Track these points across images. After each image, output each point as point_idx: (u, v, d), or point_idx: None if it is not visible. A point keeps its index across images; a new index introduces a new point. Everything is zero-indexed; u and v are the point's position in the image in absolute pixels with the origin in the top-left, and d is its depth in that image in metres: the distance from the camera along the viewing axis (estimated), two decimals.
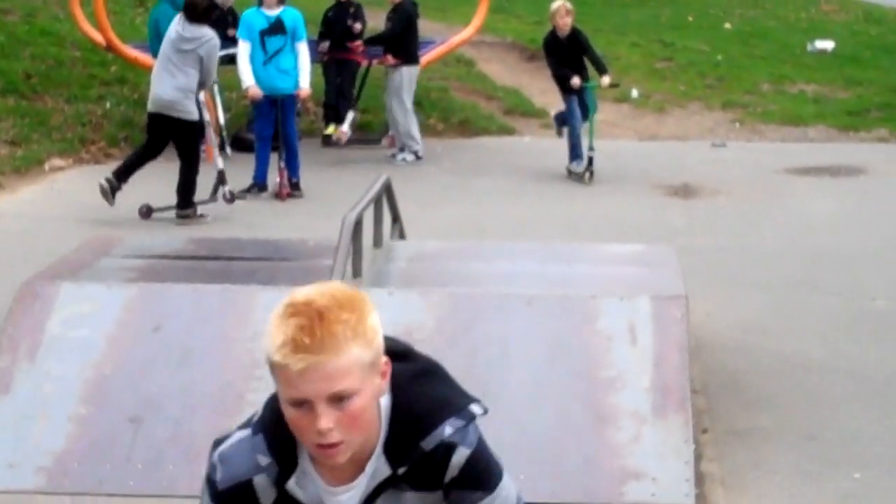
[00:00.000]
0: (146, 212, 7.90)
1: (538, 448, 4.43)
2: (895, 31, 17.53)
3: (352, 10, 10.58)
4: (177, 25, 7.83)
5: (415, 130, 10.04)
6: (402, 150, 10.10)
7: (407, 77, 9.93)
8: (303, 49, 8.57)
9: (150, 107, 8.00)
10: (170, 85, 7.64)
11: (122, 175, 7.94)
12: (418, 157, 10.02)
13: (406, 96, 10.00)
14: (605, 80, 9.41)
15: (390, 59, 9.93)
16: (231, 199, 8.03)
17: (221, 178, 7.98)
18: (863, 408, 5.25)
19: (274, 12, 8.47)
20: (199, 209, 8.01)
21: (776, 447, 4.77)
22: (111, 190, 7.82)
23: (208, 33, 7.81)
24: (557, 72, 9.57)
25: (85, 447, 4.35)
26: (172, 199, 8.09)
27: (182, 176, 7.92)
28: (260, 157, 8.58)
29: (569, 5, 9.34)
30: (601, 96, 10.37)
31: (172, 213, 8.07)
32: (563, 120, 9.69)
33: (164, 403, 4.51)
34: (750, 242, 8.05)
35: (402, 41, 10.00)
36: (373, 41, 10.36)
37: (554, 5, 9.47)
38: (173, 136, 7.88)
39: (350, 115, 10.29)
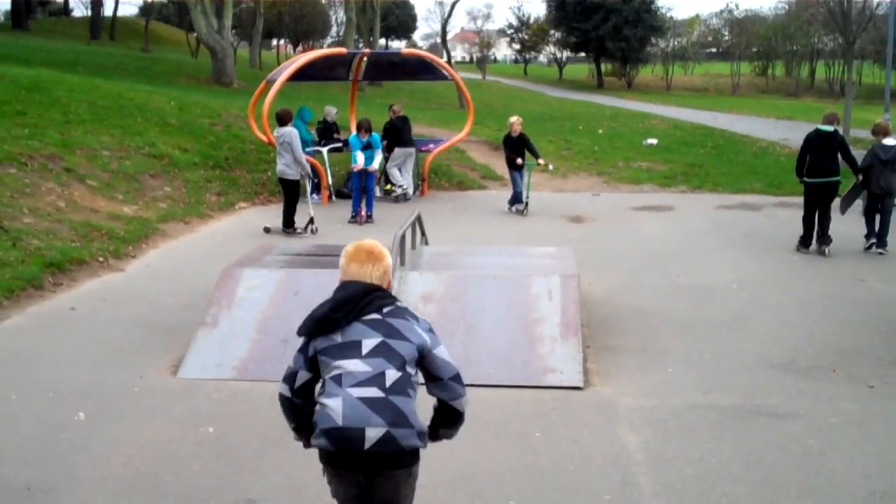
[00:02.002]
0: (267, 230, 11.66)
1: (499, 356, 6.25)
2: (690, 133, 23.76)
3: (401, 119, 15.20)
4: (276, 131, 11.43)
5: (401, 180, 14.83)
6: (399, 186, 14.75)
7: (399, 153, 14.64)
8: (377, 153, 13.10)
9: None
10: (280, 162, 11.44)
11: (288, 220, 11.79)
12: (406, 198, 14.73)
13: (399, 163, 14.83)
14: (541, 161, 13.54)
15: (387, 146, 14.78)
16: (315, 232, 11.66)
17: (311, 220, 11.65)
18: (672, 335, 7.30)
19: (365, 138, 12.93)
20: (298, 230, 11.62)
21: (626, 356, 6.73)
22: (287, 230, 11.80)
23: (289, 130, 11.44)
24: (508, 156, 13.76)
25: (257, 356, 6.27)
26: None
27: (285, 208, 11.67)
28: (354, 200, 12.78)
29: (520, 119, 13.21)
30: (534, 170, 14.42)
31: (281, 231, 11.74)
32: (515, 198, 13.89)
33: None
34: (611, 246, 11.22)
35: (395, 138, 14.59)
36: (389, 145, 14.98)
37: (511, 119, 13.77)
38: (284, 187, 11.68)
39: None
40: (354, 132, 13.66)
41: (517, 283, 6.99)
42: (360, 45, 42.25)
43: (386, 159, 14.96)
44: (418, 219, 8.19)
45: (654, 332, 7.41)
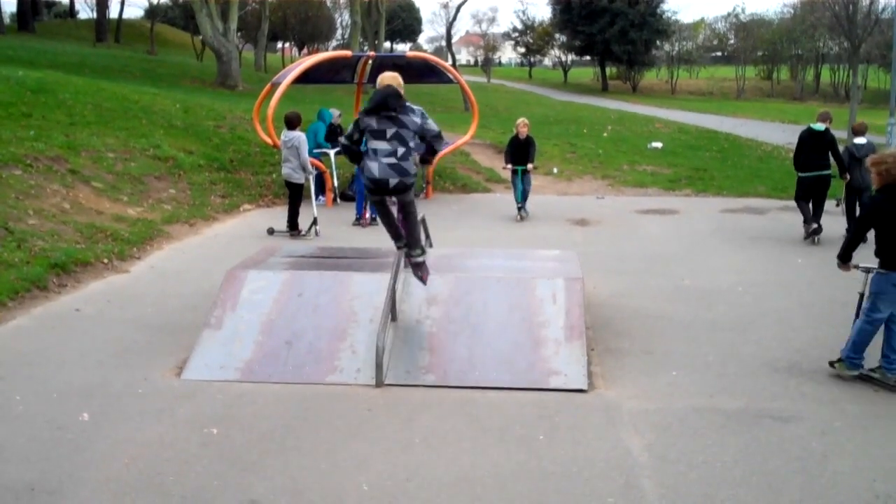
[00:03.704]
0: (270, 231, 11.69)
1: (504, 358, 6.24)
2: (695, 137, 23.72)
3: None
4: (283, 134, 11.36)
5: None
6: None
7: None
8: None
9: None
10: (286, 166, 11.37)
11: (292, 223, 11.82)
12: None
13: None
14: (530, 166, 13.38)
15: None
16: (318, 234, 11.66)
17: (315, 221, 11.64)
18: (677, 338, 7.27)
19: None
20: (302, 232, 11.59)
21: (630, 358, 6.68)
22: (292, 232, 11.89)
23: (298, 135, 11.41)
24: (507, 159, 13.57)
25: (261, 357, 6.29)
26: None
27: (290, 211, 11.67)
28: (358, 202, 12.68)
29: (526, 121, 13.08)
30: (535, 171, 14.69)
31: (285, 233, 11.76)
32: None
33: (303, 334, 6.44)
34: (616, 250, 11.15)
35: None
36: None
37: (518, 120, 13.58)
38: (289, 189, 11.64)
39: None
40: None
41: (521, 286, 6.99)
42: (366, 48, 42.30)
43: None
44: (423, 221, 8.17)
45: (659, 335, 7.40)
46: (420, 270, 6.84)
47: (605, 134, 24.24)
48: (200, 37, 36.53)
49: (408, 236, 6.76)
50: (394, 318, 6.64)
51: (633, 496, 4.53)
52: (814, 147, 11.45)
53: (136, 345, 6.98)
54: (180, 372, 6.33)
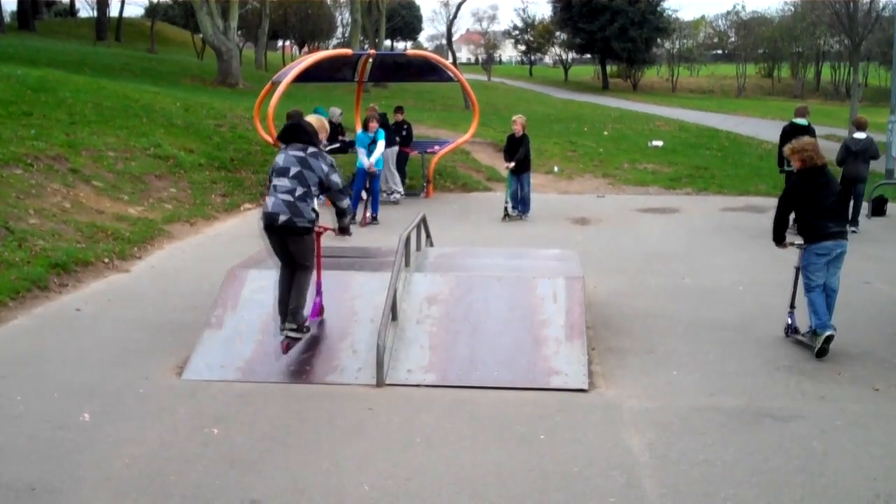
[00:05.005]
0: None
1: (504, 357, 6.25)
2: (696, 135, 23.73)
3: (405, 126, 15.62)
4: None
5: (397, 183, 14.92)
6: (390, 193, 14.65)
7: (390, 153, 14.41)
8: (380, 144, 12.93)
9: None
10: None
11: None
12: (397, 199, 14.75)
13: (391, 164, 14.69)
14: (511, 164, 13.25)
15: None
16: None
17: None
18: (677, 336, 7.28)
19: (371, 134, 12.88)
20: None
21: (631, 357, 6.70)
22: None
23: None
24: (506, 157, 13.52)
25: (261, 356, 6.29)
26: None
27: None
28: (354, 202, 12.49)
29: (522, 118, 13.09)
30: (536, 169, 15.15)
31: None
32: (521, 201, 13.71)
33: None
34: (616, 248, 11.19)
35: (389, 141, 13.97)
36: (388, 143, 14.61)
37: (514, 117, 13.62)
38: None
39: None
40: (361, 129, 13.55)
41: (522, 285, 7.01)
42: (366, 46, 42.27)
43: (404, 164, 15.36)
44: (423, 220, 8.20)
45: (659, 333, 7.41)
46: (284, 346, 6.19)
47: (605, 132, 24.24)
48: (201, 35, 36.51)
49: (292, 299, 6.18)
50: (394, 318, 6.64)
51: (633, 495, 4.53)
52: None
53: (137, 344, 6.98)
54: (181, 371, 6.32)
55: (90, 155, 13.37)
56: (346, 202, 6.45)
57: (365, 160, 13.08)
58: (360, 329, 6.59)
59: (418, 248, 8.07)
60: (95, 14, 54.96)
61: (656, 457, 4.98)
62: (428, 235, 8.68)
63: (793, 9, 62.21)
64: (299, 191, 6.06)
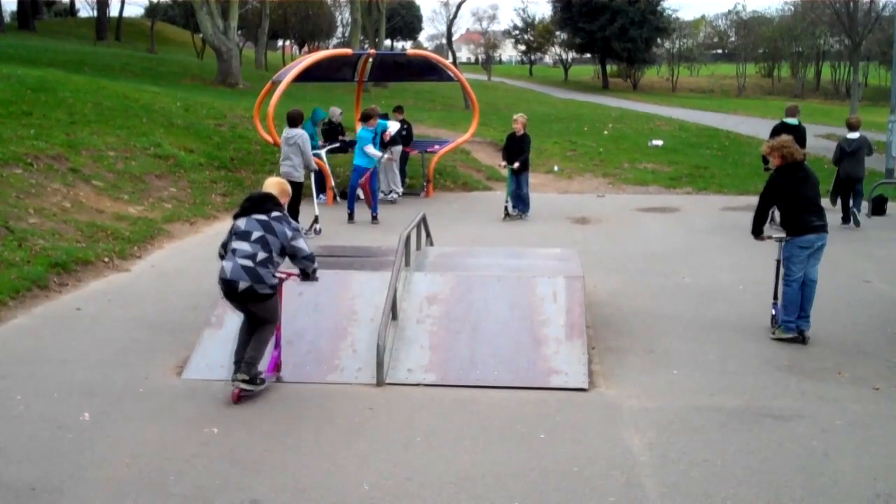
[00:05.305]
0: None
1: (504, 357, 6.27)
2: (696, 135, 23.72)
3: (405, 126, 15.46)
4: (285, 132, 11.10)
5: (397, 183, 14.99)
6: (389, 192, 14.70)
7: (395, 152, 14.65)
8: (391, 125, 13.42)
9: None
10: (286, 164, 11.04)
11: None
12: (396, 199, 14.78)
13: (395, 163, 14.85)
14: (515, 164, 13.16)
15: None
16: (319, 232, 11.60)
17: (316, 220, 11.62)
18: (677, 336, 7.28)
19: (372, 129, 12.80)
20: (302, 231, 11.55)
21: (631, 357, 6.71)
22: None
23: (300, 132, 11.19)
24: (503, 156, 13.53)
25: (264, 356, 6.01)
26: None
27: (289, 209, 11.53)
28: (350, 200, 12.78)
29: (523, 117, 13.00)
30: (536, 169, 15.04)
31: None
32: (521, 200, 13.68)
33: (305, 333, 6.48)
34: (616, 248, 11.19)
35: (392, 141, 14.16)
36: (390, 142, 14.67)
37: (514, 116, 13.55)
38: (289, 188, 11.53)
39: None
40: (361, 126, 13.49)
41: (522, 285, 7.02)
42: (366, 45, 42.27)
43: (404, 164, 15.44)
44: (423, 220, 8.21)
45: (659, 333, 7.41)
46: (235, 395, 5.73)
47: (605, 132, 24.24)
48: (201, 35, 36.52)
49: (250, 349, 5.76)
50: (394, 317, 6.64)
51: (634, 495, 4.54)
52: None
53: (137, 344, 6.98)
54: (181, 371, 6.33)
55: (90, 155, 13.37)
56: (312, 267, 5.92)
57: (376, 153, 12.94)
58: (360, 328, 6.59)
59: (418, 247, 8.09)
60: (95, 14, 54.94)
61: (656, 456, 4.99)
62: (428, 235, 8.69)
63: (793, 8, 62.21)
64: (261, 256, 5.66)
